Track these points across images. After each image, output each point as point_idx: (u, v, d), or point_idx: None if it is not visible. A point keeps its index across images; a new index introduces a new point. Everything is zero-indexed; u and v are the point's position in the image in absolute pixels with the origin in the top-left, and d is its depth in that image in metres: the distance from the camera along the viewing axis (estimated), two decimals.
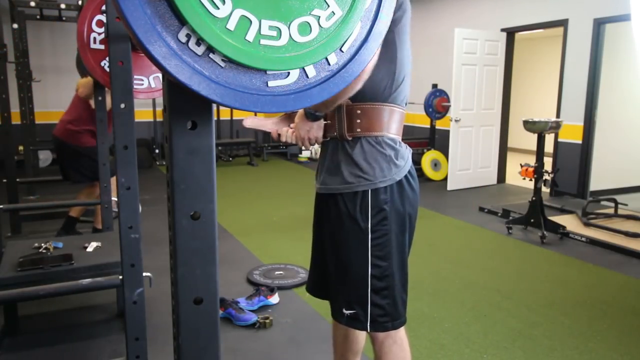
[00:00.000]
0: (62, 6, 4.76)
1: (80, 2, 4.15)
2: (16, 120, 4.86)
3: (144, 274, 1.85)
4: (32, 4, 4.87)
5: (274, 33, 0.64)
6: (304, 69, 0.67)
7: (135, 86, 1.94)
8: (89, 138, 3.58)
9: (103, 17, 1.88)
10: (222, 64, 0.63)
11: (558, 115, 5.71)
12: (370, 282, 1.48)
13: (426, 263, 3.62)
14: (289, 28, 0.64)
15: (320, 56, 0.67)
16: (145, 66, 2.00)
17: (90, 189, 3.77)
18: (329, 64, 0.69)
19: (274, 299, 2.89)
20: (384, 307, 1.49)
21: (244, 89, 0.65)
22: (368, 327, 1.50)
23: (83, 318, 2.75)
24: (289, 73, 0.67)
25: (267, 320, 2.62)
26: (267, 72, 0.65)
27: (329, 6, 0.66)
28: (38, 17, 5.50)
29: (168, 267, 0.77)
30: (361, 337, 1.82)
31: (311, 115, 1.45)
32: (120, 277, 1.84)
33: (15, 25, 5.11)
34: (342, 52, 0.70)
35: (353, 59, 0.71)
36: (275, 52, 0.64)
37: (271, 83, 0.66)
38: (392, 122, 1.48)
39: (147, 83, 2.01)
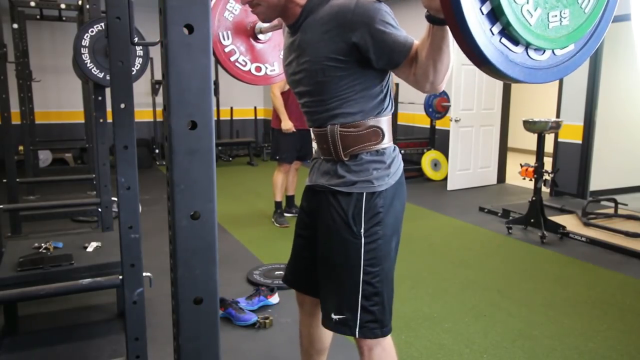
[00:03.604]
0: (62, 6, 4.74)
1: (80, 2, 4.13)
2: (16, 120, 4.85)
3: (144, 274, 1.85)
4: (32, 4, 4.85)
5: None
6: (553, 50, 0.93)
7: (268, 73, 1.93)
8: (275, 121, 4.55)
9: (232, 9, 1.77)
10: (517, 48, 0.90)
11: (558, 115, 5.70)
12: (361, 288, 1.44)
13: (426, 263, 3.62)
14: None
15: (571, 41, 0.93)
16: (271, 52, 1.92)
17: (279, 168, 4.64)
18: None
19: (274, 299, 2.89)
20: (374, 313, 1.46)
21: (523, 64, 0.91)
22: (357, 332, 1.46)
23: (83, 318, 2.75)
24: (544, 51, 0.92)
25: (267, 320, 2.62)
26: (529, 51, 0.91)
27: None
28: (38, 17, 5.48)
29: (168, 267, 0.77)
30: (325, 336, 1.77)
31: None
32: (120, 277, 1.84)
33: (15, 25, 5.10)
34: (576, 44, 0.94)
35: (581, 50, 0.96)
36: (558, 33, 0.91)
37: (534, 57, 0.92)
38: (385, 132, 1.47)
39: (267, 69, 1.95)
